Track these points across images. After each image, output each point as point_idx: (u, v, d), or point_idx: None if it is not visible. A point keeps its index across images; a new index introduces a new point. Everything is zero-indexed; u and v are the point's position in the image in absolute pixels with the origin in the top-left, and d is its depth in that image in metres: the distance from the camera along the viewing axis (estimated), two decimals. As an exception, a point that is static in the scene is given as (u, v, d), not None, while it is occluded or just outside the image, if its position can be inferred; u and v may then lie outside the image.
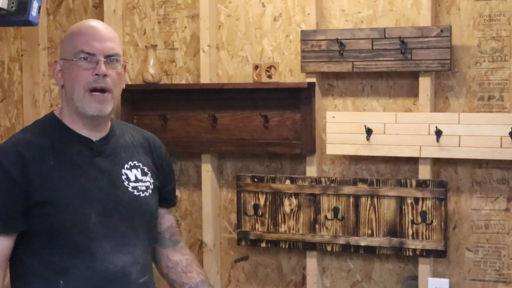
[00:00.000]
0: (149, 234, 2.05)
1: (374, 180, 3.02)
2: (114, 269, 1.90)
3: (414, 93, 3.03)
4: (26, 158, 1.86)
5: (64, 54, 1.95)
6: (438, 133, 2.89)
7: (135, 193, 1.98)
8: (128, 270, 1.92)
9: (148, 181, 2.03)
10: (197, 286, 2.13)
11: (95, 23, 1.98)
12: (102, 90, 1.91)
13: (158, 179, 2.08)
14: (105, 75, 1.90)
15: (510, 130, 2.80)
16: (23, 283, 1.91)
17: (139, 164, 2.03)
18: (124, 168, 1.99)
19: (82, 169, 1.91)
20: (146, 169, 2.04)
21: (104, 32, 1.94)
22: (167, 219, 2.16)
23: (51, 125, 1.97)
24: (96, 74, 1.89)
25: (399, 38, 2.94)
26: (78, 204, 1.88)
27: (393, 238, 2.99)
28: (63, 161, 1.90)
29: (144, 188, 2.01)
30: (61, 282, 1.87)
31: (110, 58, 1.92)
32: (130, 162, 2.01)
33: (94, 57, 1.91)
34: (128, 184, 1.98)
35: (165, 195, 2.13)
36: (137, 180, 2.00)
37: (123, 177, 1.98)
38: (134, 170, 2.01)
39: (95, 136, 1.96)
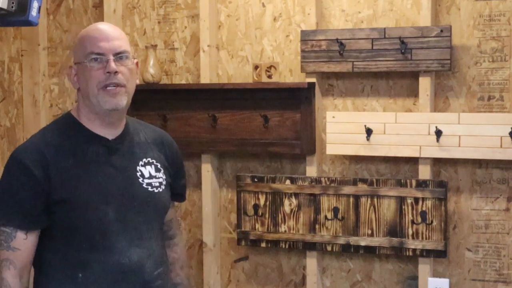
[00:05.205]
0: (162, 227, 2.16)
1: (374, 180, 3.02)
2: (130, 263, 1.99)
3: (414, 93, 3.03)
4: (47, 158, 1.95)
5: (76, 58, 2.04)
6: (438, 133, 2.89)
7: (149, 189, 2.07)
8: (143, 263, 2.01)
9: (161, 177, 2.12)
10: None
11: (101, 25, 2.07)
12: (115, 85, 1.99)
13: (170, 175, 2.17)
14: (116, 72, 1.97)
15: (510, 130, 2.80)
16: (45, 277, 2.00)
17: (153, 160, 2.12)
18: (138, 165, 2.08)
19: (99, 168, 2.01)
20: (159, 166, 2.13)
21: (111, 32, 2.03)
22: (169, 213, 2.23)
23: (69, 125, 2.05)
24: (108, 72, 1.97)
25: (399, 38, 2.94)
26: (95, 201, 1.97)
27: (393, 238, 2.99)
28: (81, 161, 2.00)
29: (157, 184, 2.10)
30: (80, 275, 1.96)
31: (119, 55, 2.00)
32: (144, 159, 2.10)
33: (104, 56, 1.98)
34: (143, 181, 2.07)
35: (175, 191, 2.23)
36: (151, 176, 2.09)
37: (138, 173, 2.07)
38: (148, 167, 2.10)
39: (110, 134, 2.05)
